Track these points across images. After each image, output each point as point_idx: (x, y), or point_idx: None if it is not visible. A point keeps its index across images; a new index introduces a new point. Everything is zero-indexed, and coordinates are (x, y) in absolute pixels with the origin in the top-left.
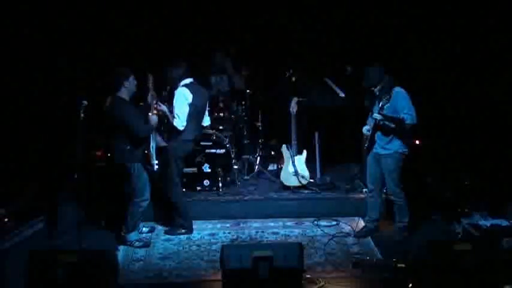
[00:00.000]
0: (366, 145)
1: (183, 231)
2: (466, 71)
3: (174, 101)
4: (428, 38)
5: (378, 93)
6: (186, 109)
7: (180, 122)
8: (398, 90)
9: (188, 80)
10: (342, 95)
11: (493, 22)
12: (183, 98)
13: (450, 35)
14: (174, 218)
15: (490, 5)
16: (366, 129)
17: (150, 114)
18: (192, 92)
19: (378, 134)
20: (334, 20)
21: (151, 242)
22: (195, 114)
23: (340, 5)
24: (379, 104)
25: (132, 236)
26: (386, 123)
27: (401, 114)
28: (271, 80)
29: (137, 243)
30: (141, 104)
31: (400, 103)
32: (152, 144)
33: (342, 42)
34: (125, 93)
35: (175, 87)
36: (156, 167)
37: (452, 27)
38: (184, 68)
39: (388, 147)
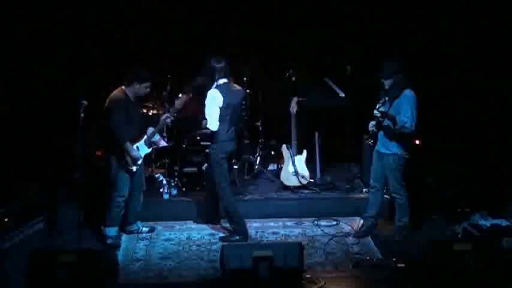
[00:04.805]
0: (371, 141)
1: (237, 237)
2: (467, 70)
3: (206, 102)
4: (428, 37)
5: (386, 87)
6: (216, 111)
7: (211, 124)
8: (408, 93)
9: (222, 81)
10: (342, 95)
11: (493, 22)
12: (213, 101)
13: (450, 34)
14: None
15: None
16: (371, 124)
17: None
18: (223, 94)
19: (380, 132)
20: (334, 20)
21: (120, 244)
22: (228, 114)
23: (341, 5)
24: (384, 99)
25: (108, 231)
26: (386, 122)
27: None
28: (271, 80)
29: (110, 240)
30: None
31: (404, 106)
32: (141, 149)
33: (341, 42)
34: (130, 92)
35: (209, 87)
36: (134, 169)
37: (451, 27)
38: (223, 65)
39: (388, 147)
